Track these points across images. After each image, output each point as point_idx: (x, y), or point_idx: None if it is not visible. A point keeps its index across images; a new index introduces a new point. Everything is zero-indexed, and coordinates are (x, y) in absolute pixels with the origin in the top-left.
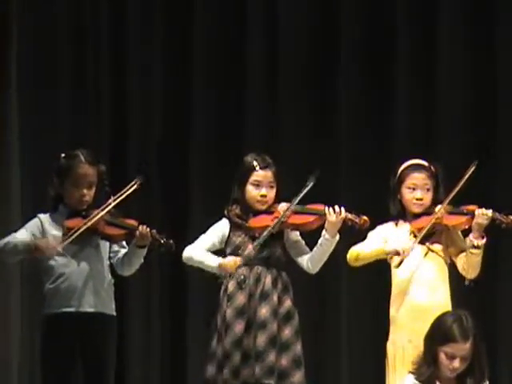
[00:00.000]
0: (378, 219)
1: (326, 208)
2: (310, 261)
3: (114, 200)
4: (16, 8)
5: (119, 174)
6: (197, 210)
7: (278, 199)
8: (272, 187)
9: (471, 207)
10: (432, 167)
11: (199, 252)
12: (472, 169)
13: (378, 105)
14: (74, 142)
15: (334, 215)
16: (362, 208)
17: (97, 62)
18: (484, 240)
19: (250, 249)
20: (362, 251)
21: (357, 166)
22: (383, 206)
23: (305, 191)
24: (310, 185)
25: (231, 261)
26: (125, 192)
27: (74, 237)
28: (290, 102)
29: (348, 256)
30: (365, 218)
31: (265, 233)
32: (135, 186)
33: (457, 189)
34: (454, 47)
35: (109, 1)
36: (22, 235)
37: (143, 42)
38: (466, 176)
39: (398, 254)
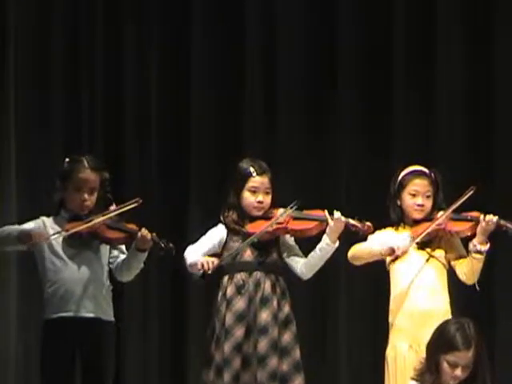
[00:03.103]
0: (378, 226)
1: (327, 213)
2: (305, 265)
3: (120, 208)
4: (13, 11)
5: (117, 181)
6: (195, 216)
7: (274, 204)
8: (268, 193)
9: (475, 213)
10: (432, 174)
11: (193, 254)
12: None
13: (377, 114)
14: (69, 149)
15: (336, 220)
16: (362, 214)
17: (91, 66)
18: (488, 246)
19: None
20: (359, 248)
21: (357, 173)
22: (383, 212)
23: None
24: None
25: (205, 261)
26: (129, 204)
27: (71, 232)
28: (288, 113)
29: (349, 253)
30: (368, 223)
31: (257, 233)
32: (129, 207)
33: (461, 201)
34: (452, 48)
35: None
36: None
37: (139, 45)
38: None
39: (393, 251)
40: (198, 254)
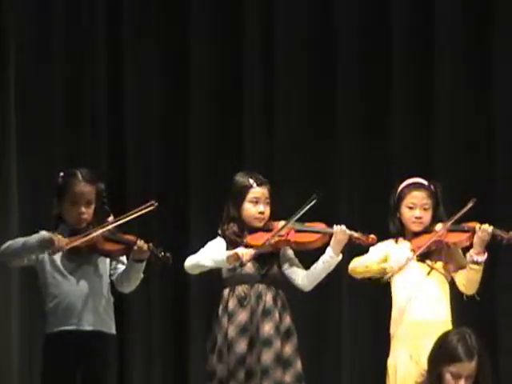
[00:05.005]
0: (379, 228)
1: (335, 226)
2: (307, 277)
3: (123, 218)
4: (13, 26)
5: (117, 194)
6: (196, 228)
7: (272, 217)
8: (268, 203)
9: (472, 224)
10: (432, 186)
11: (204, 254)
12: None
13: (377, 128)
14: (71, 162)
15: (340, 232)
16: (362, 214)
17: (93, 83)
18: (485, 256)
19: (265, 239)
20: (359, 262)
21: (357, 186)
22: (383, 225)
23: (306, 208)
24: (311, 203)
25: (244, 250)
26: (131, 214)
27: (82, 240)
28: (287, 127)
29: (349, 266)
30: (372, 236)
31: (260, 246)
32: (145, 211)
33: (460, 214)
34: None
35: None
36: None
37: (139, 46)
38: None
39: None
40: (208, 257)
